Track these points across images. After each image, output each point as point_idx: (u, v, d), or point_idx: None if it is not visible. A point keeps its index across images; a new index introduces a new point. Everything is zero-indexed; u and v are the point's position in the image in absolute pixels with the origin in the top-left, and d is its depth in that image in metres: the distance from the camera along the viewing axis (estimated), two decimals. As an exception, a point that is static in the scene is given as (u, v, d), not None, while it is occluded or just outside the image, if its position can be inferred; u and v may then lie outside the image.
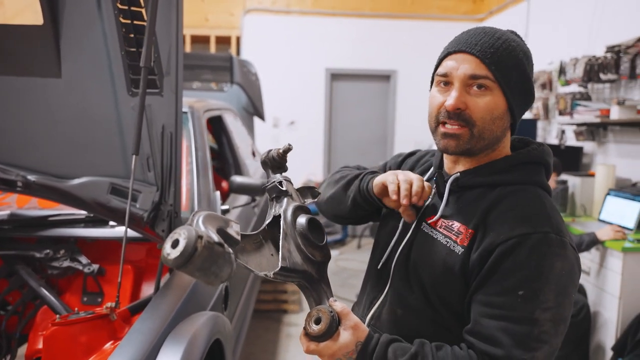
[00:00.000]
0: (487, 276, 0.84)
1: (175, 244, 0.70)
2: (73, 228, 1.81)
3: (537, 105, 4.41)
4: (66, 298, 1.80)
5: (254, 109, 4.24)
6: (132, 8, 1.52)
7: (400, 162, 1.16)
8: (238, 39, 5.87)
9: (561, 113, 3.91)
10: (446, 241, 0.91)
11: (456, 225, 0.91)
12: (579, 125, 3.73)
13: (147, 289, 1.84)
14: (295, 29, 5.87)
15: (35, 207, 1.97)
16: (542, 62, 4.31)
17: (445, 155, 1.01)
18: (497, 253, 0.84)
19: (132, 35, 1.52)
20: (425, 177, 1.05)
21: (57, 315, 1.34)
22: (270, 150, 0.98)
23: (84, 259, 1.76)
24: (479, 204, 0.91)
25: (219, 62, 4.01)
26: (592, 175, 3.42)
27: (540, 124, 4.46)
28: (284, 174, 0.97)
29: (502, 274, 0.83)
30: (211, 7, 5.81)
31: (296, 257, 0.87)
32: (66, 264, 1.74)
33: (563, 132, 4.01)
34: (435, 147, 1.00)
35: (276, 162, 0.97)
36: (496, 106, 0.89)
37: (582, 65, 3.49)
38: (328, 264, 0.93)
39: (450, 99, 0.89)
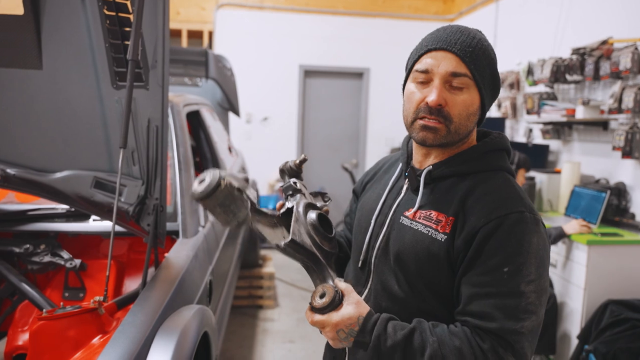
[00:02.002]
0: (474, 258, 0.90)
1: (201, 182, 0.89)
2: (53, 222, 1.77)
3: (506, 104, 4.55)
4: (46, 294, 1.76)
5: (229, 105, 4.22)
6: (117, 0, 1.50)
7: (361, 185, 1.21)
8: (210, 34, 5.81)
9: (529, 112, 4.05)
10: (427, 230, 0.95)
11: (434, 214, 0.96)
12: (545, 124, 3.87)
13: (129, 284, 1.82)
14: (269, 25, 5.85)
15: (12, 202, 1.92)
16: (511, 63, 4.45)
17: (415, 151, 1.05)
18: (480, 236, 0.89)
19: (116, 28, 1.50)
20: (395, 175, 1.10)
21: (44, 310, 1.32)
22: (287, 162, 1.08)
23: (65, 254, 1.73)
24: (455, 193, 0.96)
25: (194, 57, 3.96)
26: (558, 172, 3.56)
27: (508, 123, 4.60)
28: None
29: (487, 254, 0.89)
30: (183, 1, 5.73)
31: (306, 239, 0.94)
32: (47, 259, 1.70)
33: (530, 130, 4.16)
34: (385, 155, 1.05)
35: (293, 171, 1.07)
36: (472, 103, 0.95)
37: (549, 67, 3.63)
38: (335, 256, 0.99)
39: (432, 95, 0.93)
